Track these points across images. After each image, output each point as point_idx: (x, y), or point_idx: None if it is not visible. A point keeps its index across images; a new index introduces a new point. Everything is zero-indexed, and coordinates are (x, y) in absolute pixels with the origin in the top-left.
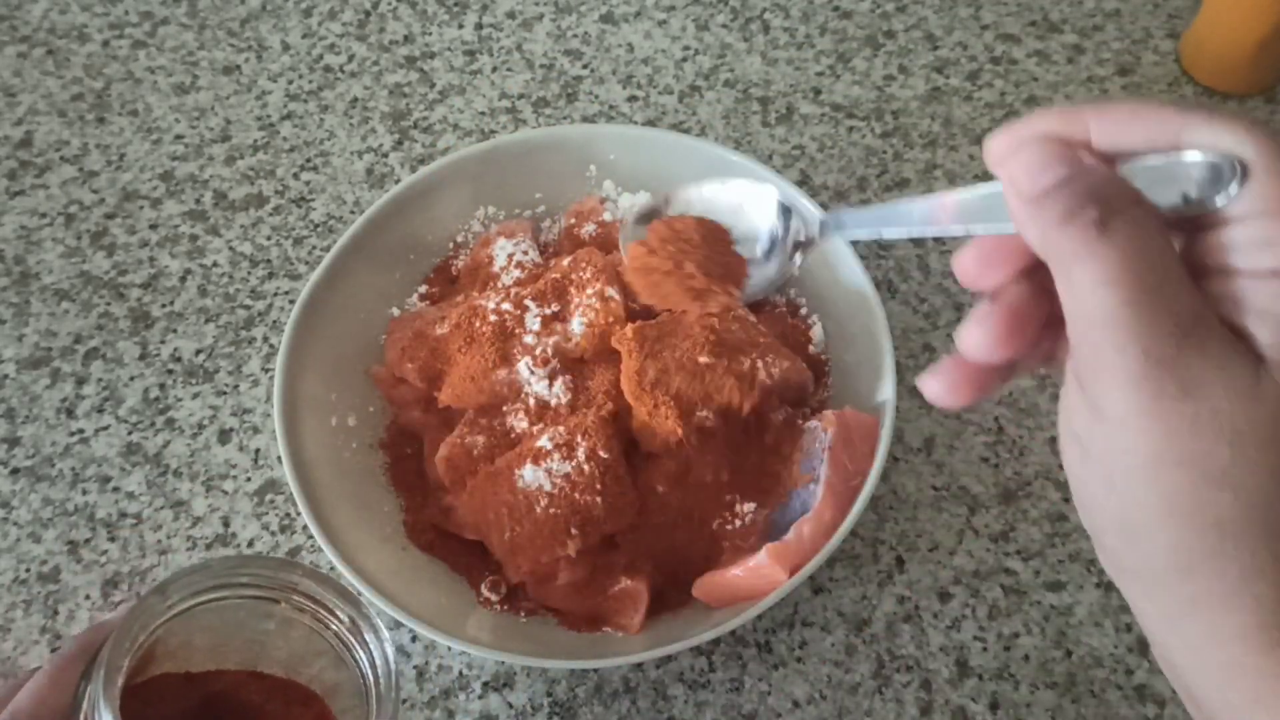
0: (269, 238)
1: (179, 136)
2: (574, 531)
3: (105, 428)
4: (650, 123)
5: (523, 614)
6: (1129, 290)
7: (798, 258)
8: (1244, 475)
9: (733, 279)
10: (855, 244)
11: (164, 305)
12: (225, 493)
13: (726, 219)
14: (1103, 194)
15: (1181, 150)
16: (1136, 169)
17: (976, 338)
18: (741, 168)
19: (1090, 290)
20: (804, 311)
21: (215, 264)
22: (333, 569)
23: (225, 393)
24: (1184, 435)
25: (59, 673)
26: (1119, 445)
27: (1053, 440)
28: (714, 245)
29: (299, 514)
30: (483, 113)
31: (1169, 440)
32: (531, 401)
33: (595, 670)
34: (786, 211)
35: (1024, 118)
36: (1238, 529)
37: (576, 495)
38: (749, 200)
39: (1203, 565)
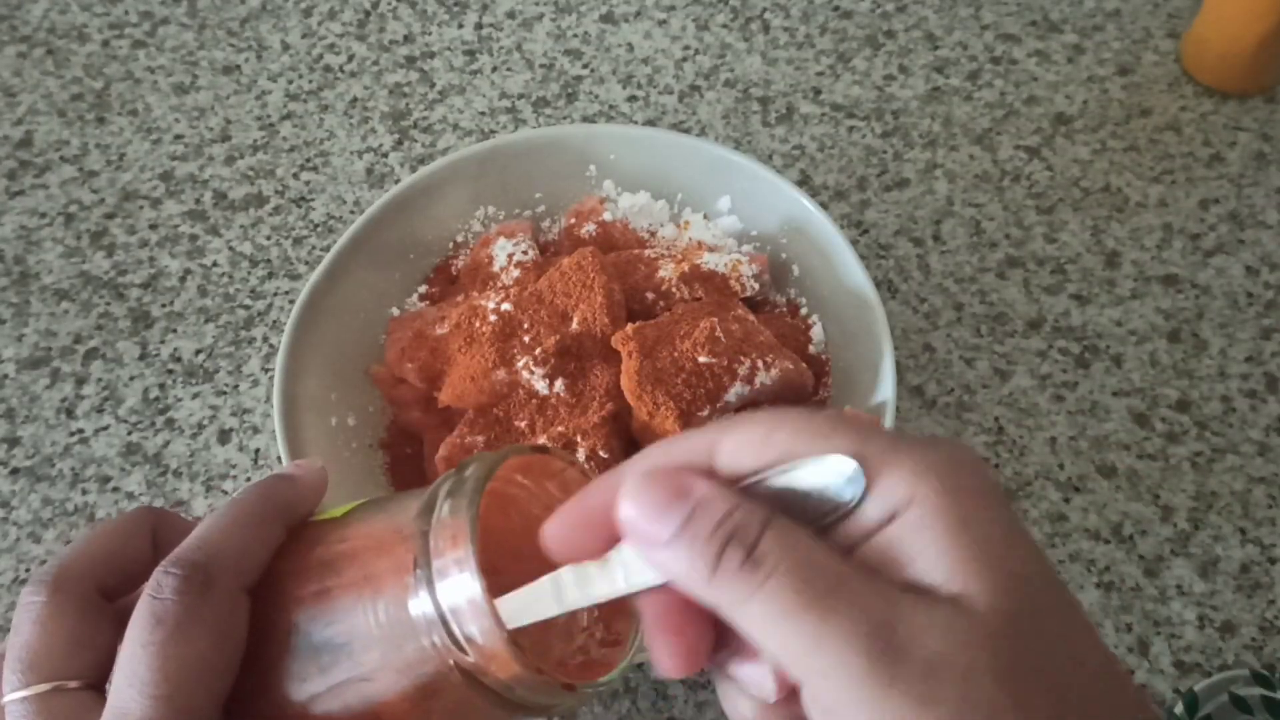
0: (269, 238)
1: (179, 136)
2: None
3: (105, 428)
4: (650, 123)
5: None
6: (816, 609)
7: None
8: (958, 696)
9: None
10: (855, 244)
11: (164, 305)
12: (225, 493)
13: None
14: (732, 527)
15: (807, 461)
16: (761, 487)
17: (664, 661)
18: (739, 168)
19: (776, 626)
20: (804, 311)
21: (215, 264)
22: None
23: (225, 393)
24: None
25: (258, 524)
26: None
27: (1053, 440)
28: None
29: None
30: (483, 113)
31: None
32: (532, 401)
33: None
34: None
35: (638, 457)
36: None
37: None
38: None
39: None
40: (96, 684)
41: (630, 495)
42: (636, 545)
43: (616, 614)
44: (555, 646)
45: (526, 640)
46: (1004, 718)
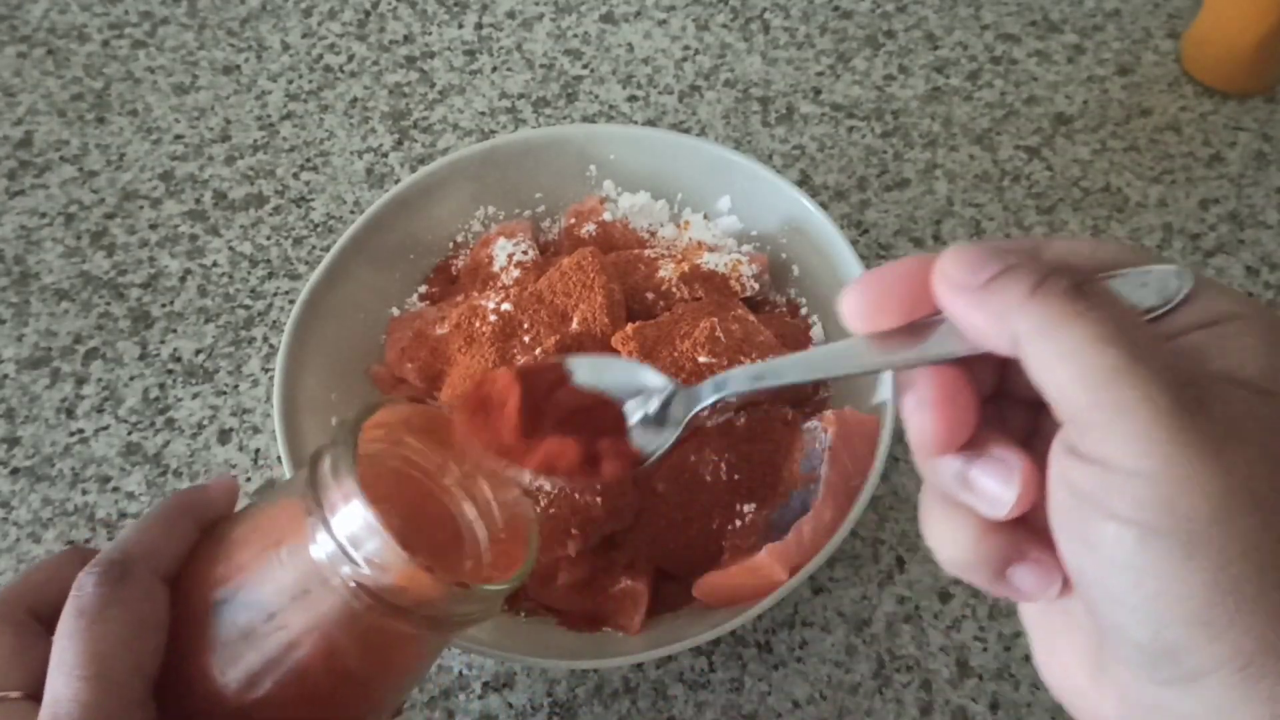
0: (269, 238)
1: (179, 136)
2: (574, 531)
3: (105, 428)
4: (650, 123)
5: (523, 614)
6: (1129, 346)
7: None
8: None
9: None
10: (855, 244)
11: (164, 305)
12: None
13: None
14: (1061, 266)
15: (1125, 270)
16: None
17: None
18: (739, 168)
19: (1086, 351)
20: (804, 311)
21: (215, 264)
22: None
23: (225, 393)
24: (1242, 476)
25: (169, 522)
26: (1171, 509)
27: None
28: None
29: None
30: (483, 113)
31: (1229, 484)
32: None
33: (595, 670)
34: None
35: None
36: None
37: (576, 495)
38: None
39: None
40: (35, 695)
41: (952, 253)
42: (947, 293)
43: (514, 542)
44: (451, 573)
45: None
46: None
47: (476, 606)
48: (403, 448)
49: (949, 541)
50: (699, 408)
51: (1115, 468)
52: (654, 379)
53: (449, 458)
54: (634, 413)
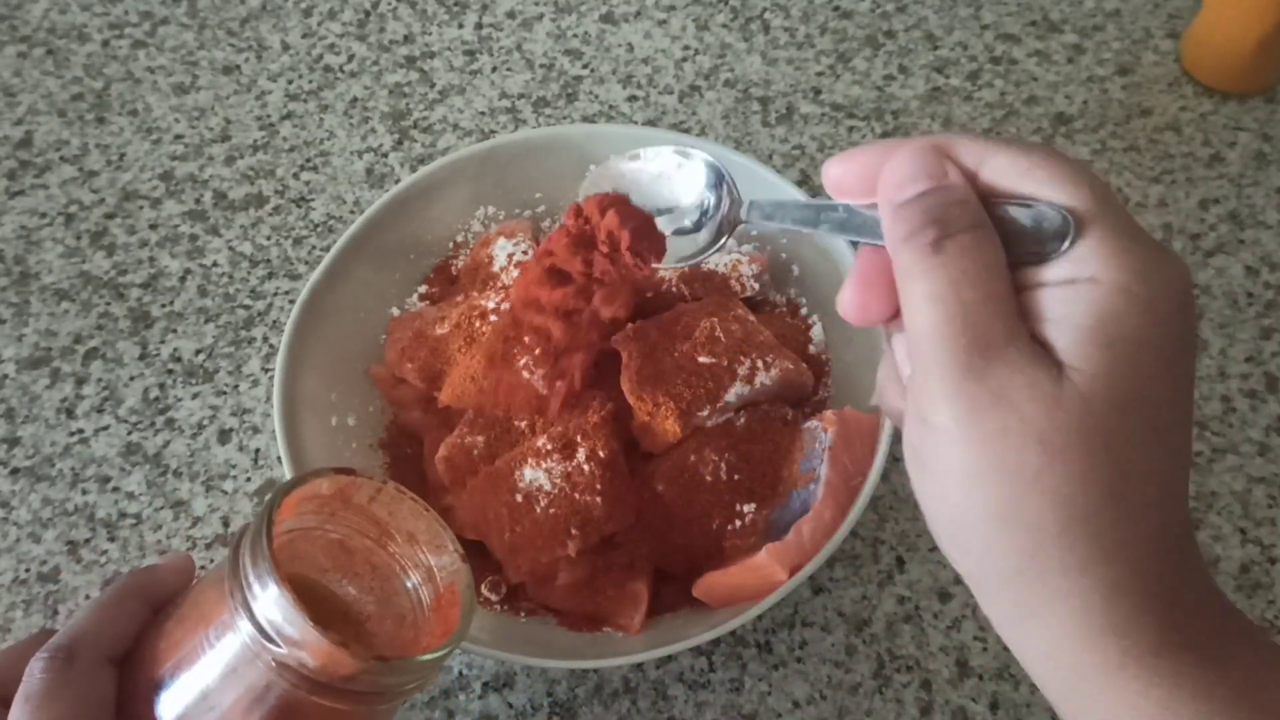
0: (269, 238)
1: (179, 136)
2: (574, 531)
3: (105, 428)
4: (650, 123)
5: (523, 614)
6: (949, 306)
7: (727, 238)
8: (1055, 480)
9: (653, 254)
10: (855, 244)
11: (164, 305)
12: (225, 493)
13: (649, 191)
14: (945, 215)
15: (1028, 202)
16: (994, 204)
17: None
18: (740, 168)
19: (918, 304)
20: (804, 311)
21: (215, 264)
22: None
23: (225, 393)
24: (996, 444)
25: (118, 604)
26: (944, 456)
27: None
28: (630, 225)
29: None
30: (483, 113)
31: (984, 449)
32: (532, 401)
33: (595, 670)
34: (719, 182)
35: (927, 139)
36: (1055, 531)
37: (576, 495)
38: (674, 171)
39: (1028, 568)
40: None
41: (902, 157)
42: (879, 199)
43: (451, 606)
44: (398, 644)
45: (371, 642)
46: (1043, 472)
47: (405, 678)
48: (339, 519)
49: (889, 396)
50: (733, 227)
51: (921, 415)
52: (689, 194)
53: (388, 526)
54: (670, 225)
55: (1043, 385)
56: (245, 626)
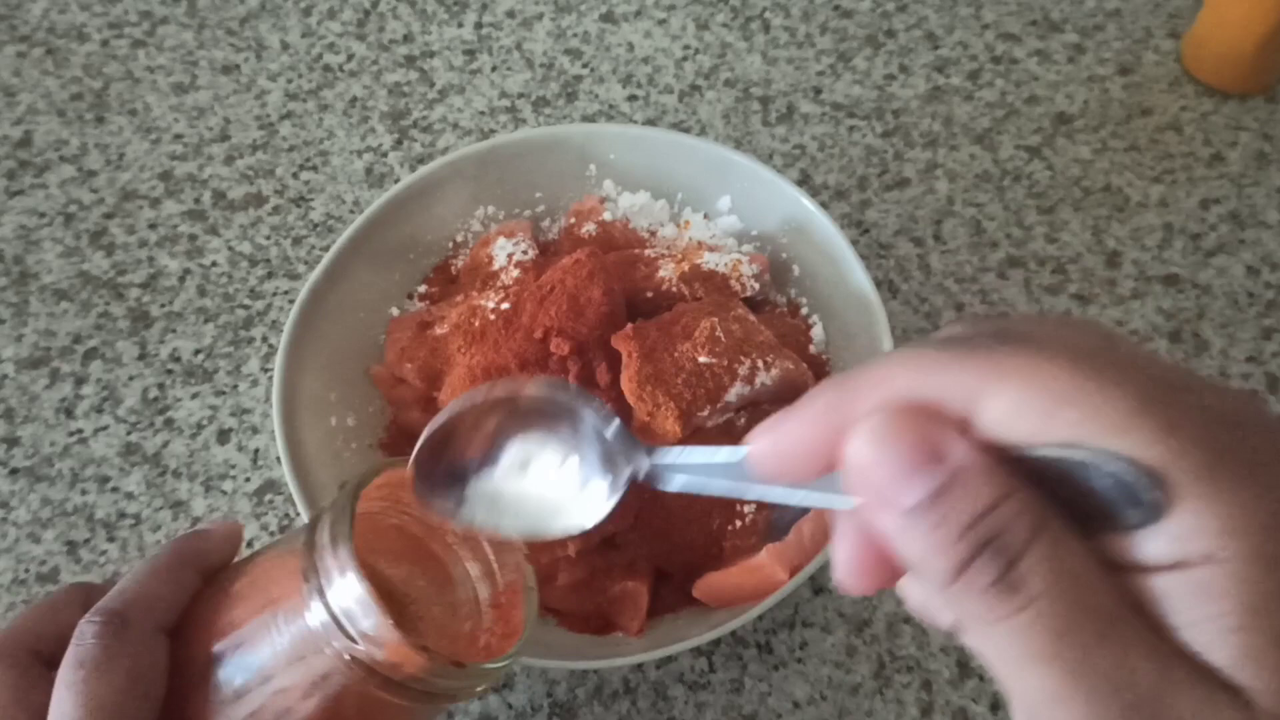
0: (268, 237)
1: (178, 136)
2: None
3: (104, 428)
4: (650, 122)
5: None
6: (1069, 662)
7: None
8: None
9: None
10: (855, 244)
11: (163, 305)
12: (224, 493)
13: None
14: (995, 530)
15: (1089, 449)
16: (1031, 461)
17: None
18: (740, 168)
19: (1020, 668)
20: (804, 311)
21: (214, 264)
22: None
23: (224, 393)
24: None
25: (170, 571)
26: None
27: None
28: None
29: (298, 514)
30: (482, 112)
31: None
32: None
33: (595, 671)
34: (609, 456)
35: (879, 371)
36: None
37: None
38: (558, 477)
39: None
40: None
41: (871, 435)
42: (864, 496)
43: (513, 606)
44: (448, 636)
45: (417, 629)
46: None
47: (471, 682)
48: (404, 506)
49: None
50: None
51: None
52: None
53: None
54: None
55: None
56: (320, 613)
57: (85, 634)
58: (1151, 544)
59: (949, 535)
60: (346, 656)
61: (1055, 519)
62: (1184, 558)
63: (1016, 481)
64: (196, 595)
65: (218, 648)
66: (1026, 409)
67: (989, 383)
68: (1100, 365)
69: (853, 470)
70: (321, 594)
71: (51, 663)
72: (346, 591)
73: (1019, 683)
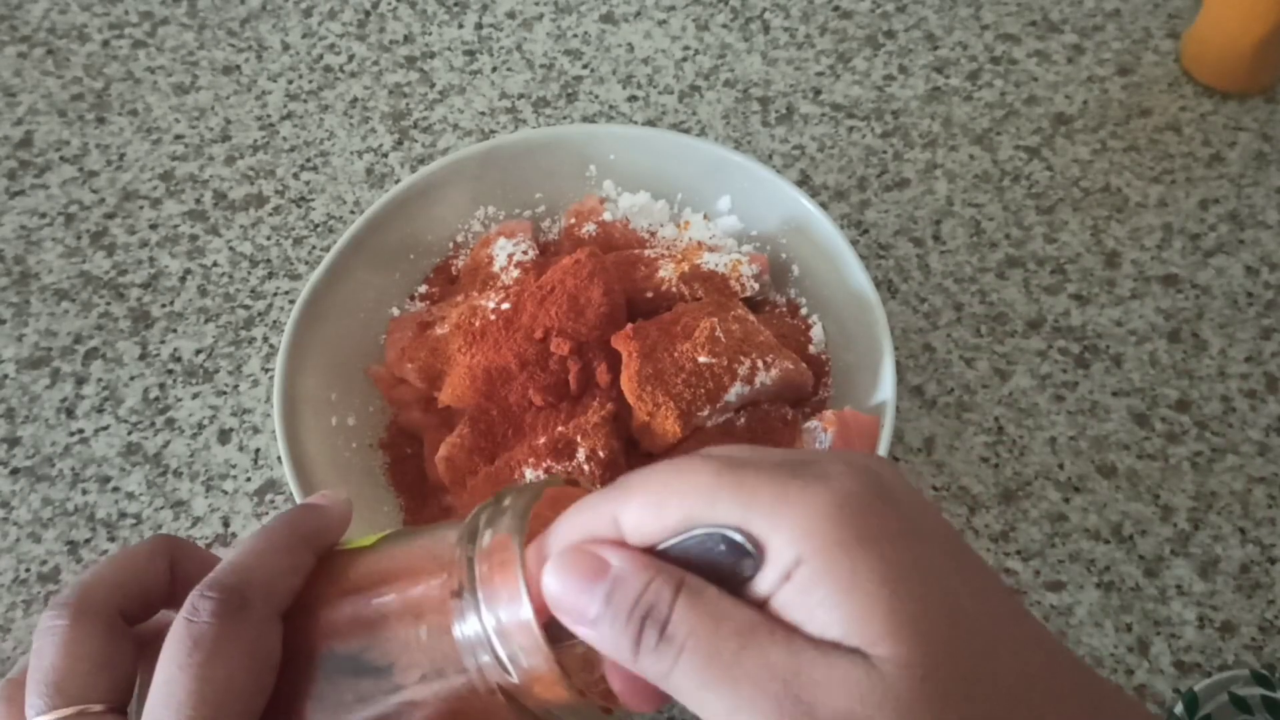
0: (269, 238)
1: (179, 136)
2: None
3: (105, 428)
4: (650, 123)
5: None
6: (724, 679)
7: None
8: None
9: None
10: (855, 244)
11: (164, 305)
12: (225, 493)
13: None
14: (652, 602)
15: (703, 529)
16: (674, 552)
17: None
18: (739, 169)
19: (701, 700)
20: (804, 311)
21: (215, 264)
22: None
23: (225, 393)
24: None
25: (289, 550)
26: None
27: (1053, 440)
28: None
29: None
30: (483, 113)
31: None
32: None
33: None
34: None
35: (555, 528)
36: None
37: None
38: None
39: None
40: (119, 707)
41: (554, 573)
42: (567, 621)
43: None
44: (579, 673)
45: (567, 665)
46: None
47: (588, 715)
48: (544, 522)
49: None
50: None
51: None
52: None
53: None
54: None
55: (858, 683)
56: (472, 631)
57: (201, 610)
58: (768, 576)
59: (621, 622)
60: (493, 680)
61: (693, 580)
62: (786, 570)
63: (659, 564)
64: (310, 578)
65: (339, 643)
66: (645, 514)
67: (622, 503)
68: (684, 478)
69: (551, 605)
70: (479, 610)
71: (132, 621)
72: (514, 625)
73: (706, 712)
